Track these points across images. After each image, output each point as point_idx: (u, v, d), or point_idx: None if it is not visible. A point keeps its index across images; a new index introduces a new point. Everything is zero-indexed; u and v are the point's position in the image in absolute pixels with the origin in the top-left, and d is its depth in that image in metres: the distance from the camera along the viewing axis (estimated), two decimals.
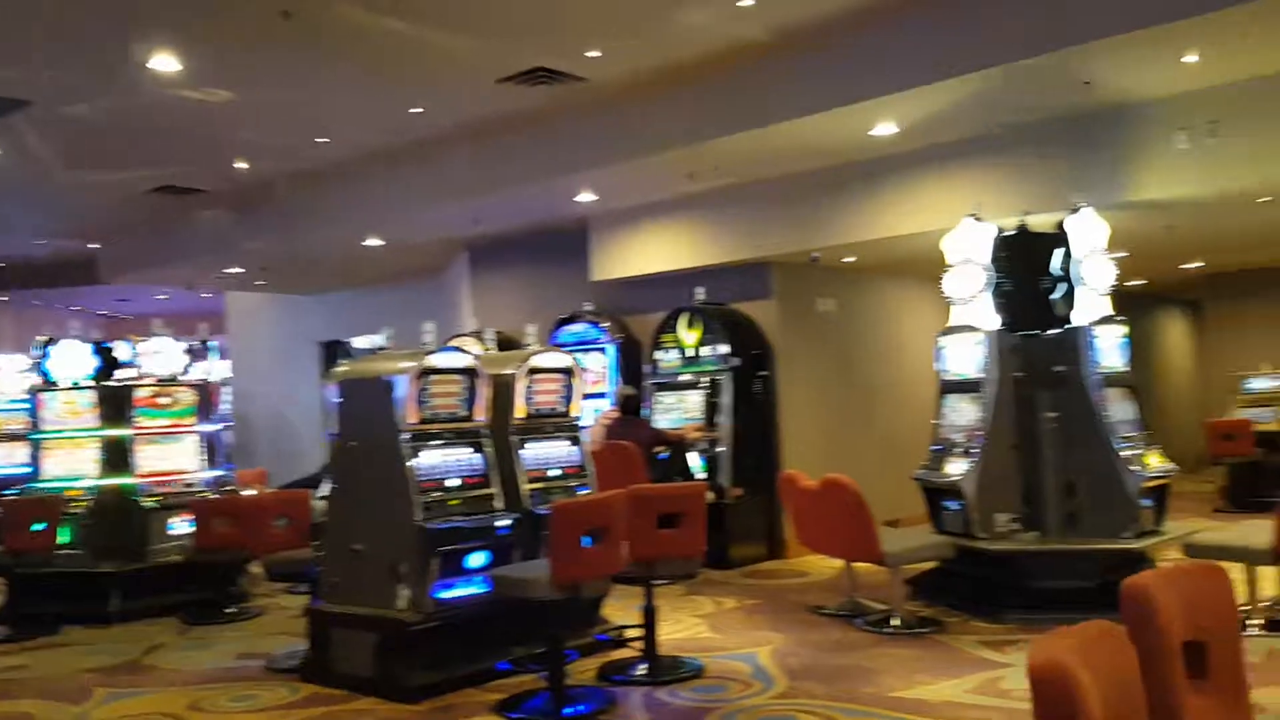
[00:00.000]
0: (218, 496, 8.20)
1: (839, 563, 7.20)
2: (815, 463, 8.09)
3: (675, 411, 9.43)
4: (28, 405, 8.65)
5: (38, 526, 7.53)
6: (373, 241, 11.36)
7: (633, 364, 10.07)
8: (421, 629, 5.44)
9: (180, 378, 8.65)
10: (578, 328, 10.32)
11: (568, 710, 5.00)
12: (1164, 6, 5.54)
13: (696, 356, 9.43)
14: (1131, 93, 6.87)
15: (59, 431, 8.28)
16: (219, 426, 8.85)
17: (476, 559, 5.69)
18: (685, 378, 9.47)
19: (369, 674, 5.53)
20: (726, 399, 9.12)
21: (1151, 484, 6.56)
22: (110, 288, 17.36)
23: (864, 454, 9.48)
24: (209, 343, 9.09)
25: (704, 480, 8.66)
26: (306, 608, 6.06)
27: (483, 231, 10.98)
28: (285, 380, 14.69)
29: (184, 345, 8.85)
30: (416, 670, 5.42)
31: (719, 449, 8.99)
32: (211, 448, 8.68)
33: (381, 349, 6.22)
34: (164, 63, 6.92)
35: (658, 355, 9.75)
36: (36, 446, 8.32)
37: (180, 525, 8.06)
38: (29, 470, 8.89)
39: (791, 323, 9.73)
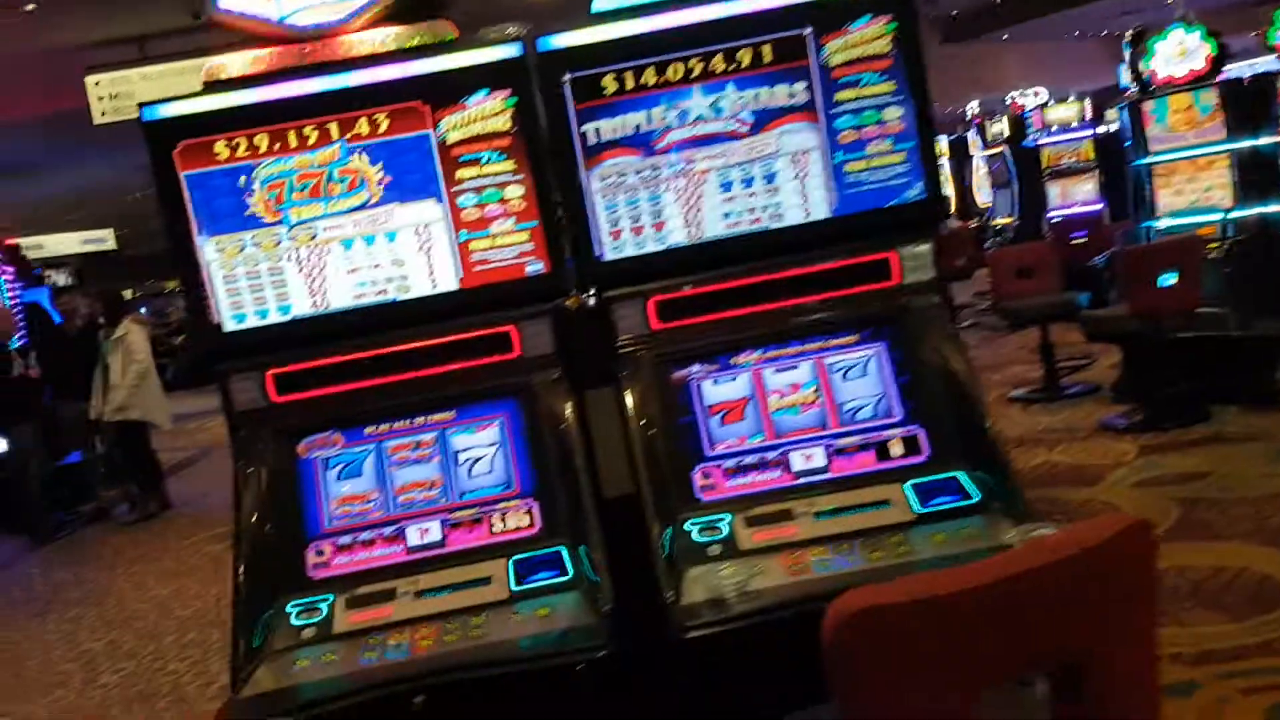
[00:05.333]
0: None
1: None
2: None
3: None
4: (1119, 120, 6.76)
5: (1167, 279, 5.62)
6: None
7: None
8: None
9: None
10: None
11: None
12: None
13: None
14: None
15: (1172, 151, 6.19)
16: None
17: None
18: None
19: None
20: None
21: None
22: (1107, 5, 15.06)
23: None
24: None
25: None
26: None
27: None
28: None
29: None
30: None
31: None
32: None
33: None
34: None
35: None
36: (1144, 174, 6.38)
37: None
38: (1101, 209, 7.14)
39: None
